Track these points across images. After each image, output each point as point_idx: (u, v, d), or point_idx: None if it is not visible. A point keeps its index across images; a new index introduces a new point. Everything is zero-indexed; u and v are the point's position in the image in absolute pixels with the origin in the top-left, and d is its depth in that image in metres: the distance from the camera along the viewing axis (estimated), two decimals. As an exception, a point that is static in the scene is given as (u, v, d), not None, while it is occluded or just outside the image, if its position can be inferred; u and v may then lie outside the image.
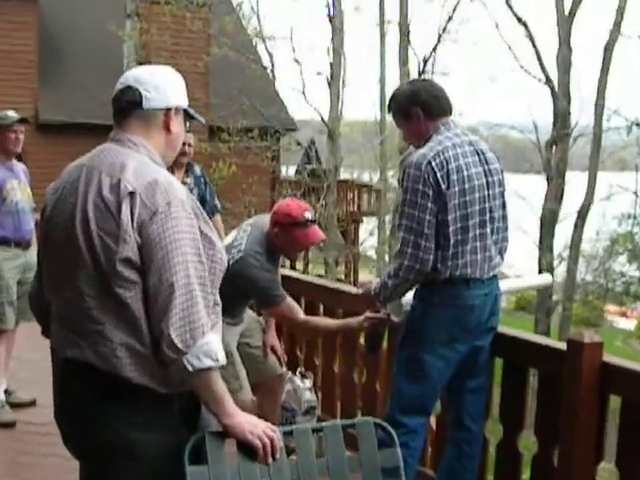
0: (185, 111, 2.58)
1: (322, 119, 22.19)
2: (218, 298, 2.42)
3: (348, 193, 26.74)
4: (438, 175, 3.42)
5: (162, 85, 2.49)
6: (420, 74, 22.37)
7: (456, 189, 3.45)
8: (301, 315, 4.31)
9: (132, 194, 2.31)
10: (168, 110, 2.51)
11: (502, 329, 3.76)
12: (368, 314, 3.97)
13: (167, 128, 2.52)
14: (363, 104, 78.42)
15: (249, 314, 4.78)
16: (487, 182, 3.57)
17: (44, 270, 2.57)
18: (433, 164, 3.44)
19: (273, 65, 24.06)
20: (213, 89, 21.34)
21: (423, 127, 3.59)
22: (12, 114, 5.65)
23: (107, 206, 2.32)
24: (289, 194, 21.86)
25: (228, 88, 20.86)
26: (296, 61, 22.14)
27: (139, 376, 2.34)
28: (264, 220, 4.36)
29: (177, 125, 2.54)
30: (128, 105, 2.48)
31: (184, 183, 6.16)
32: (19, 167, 5.82)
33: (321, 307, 5.24)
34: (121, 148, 2.46)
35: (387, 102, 3.74)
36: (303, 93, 21.94)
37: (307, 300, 5.28)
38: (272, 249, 4.28)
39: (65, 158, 3.89)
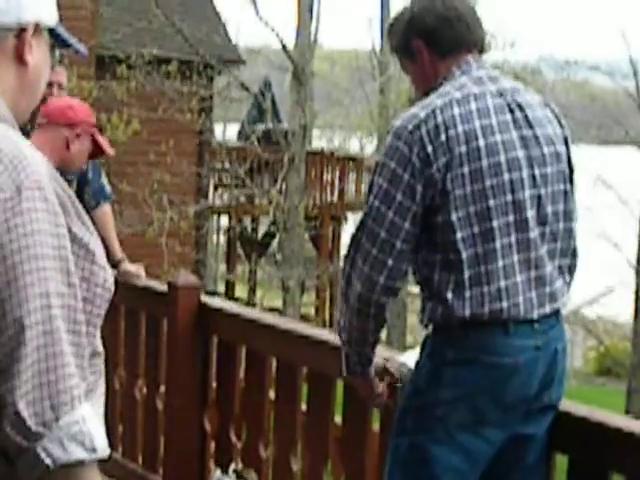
0: (52, 32, 1.93)
1: (283, 46, 15.69)
2: (99, 345, 1.78)
3: (325, 172, 19.07)
4: (428, 149, 2.67)
5: None
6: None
7: (464, 170, 2.67)
8: None
9: None
10: (22, 30, 1.85)
11: (567, 406, 2.85)
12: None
13: (20, 59, 1.85)
14: (353, 23, 53.76)
15: None
16: (528, 157, 2.76)
17: None
18: (422, 131, 2.69)
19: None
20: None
21: (429, 70, 2.88)
22: None
23: None
24: (229, 172, 17.28)
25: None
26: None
27: None
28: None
29: (38, 54, 1.89)
30: None
31: None
32: None
33: (273, 362, 3.85)
34: None
35: (388, 29, 3.07)
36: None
37: (250, 350, 3.87)
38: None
39: None
